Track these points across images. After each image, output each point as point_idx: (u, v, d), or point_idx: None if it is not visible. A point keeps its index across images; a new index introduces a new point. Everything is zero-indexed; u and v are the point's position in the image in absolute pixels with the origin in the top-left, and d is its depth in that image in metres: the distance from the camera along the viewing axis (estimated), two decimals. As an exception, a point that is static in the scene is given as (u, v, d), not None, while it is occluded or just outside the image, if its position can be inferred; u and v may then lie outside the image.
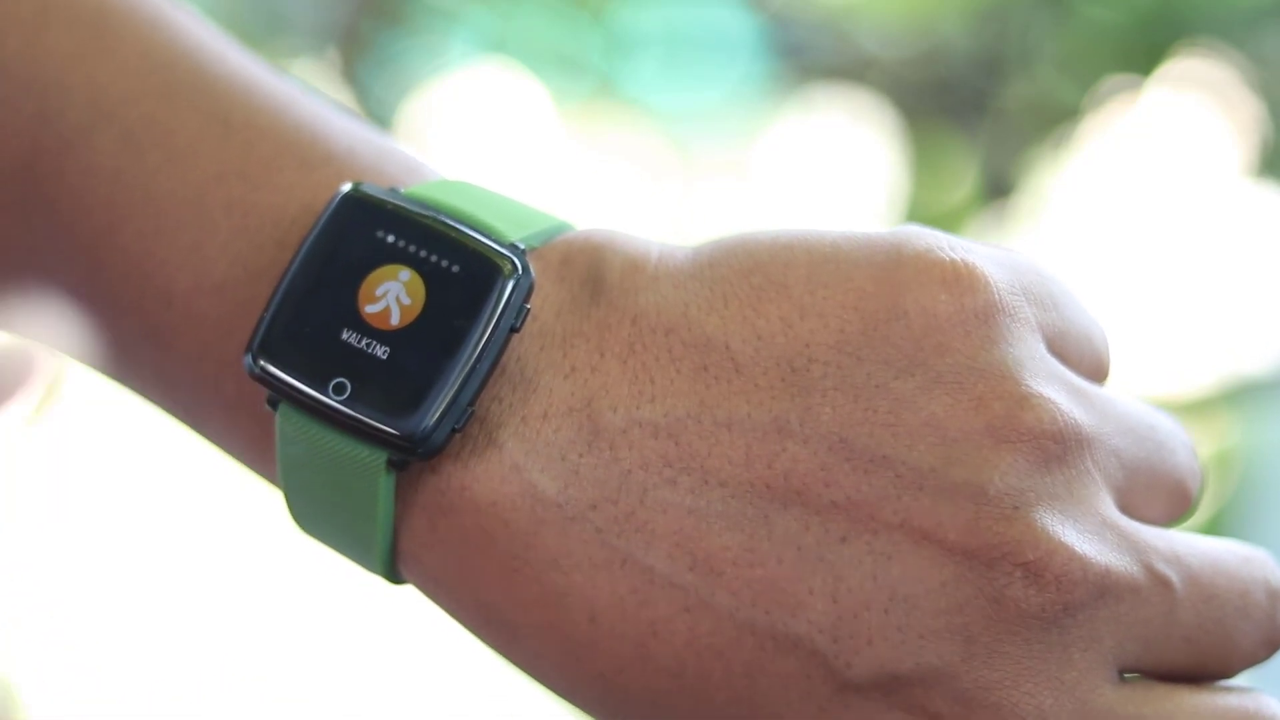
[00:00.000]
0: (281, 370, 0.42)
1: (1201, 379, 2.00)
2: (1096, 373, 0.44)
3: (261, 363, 0.42)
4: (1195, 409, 2.01)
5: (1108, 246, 2.06)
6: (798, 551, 0.40)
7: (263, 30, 2.13)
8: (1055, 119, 2.11)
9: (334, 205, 0.43)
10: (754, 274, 0.42)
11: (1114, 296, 2.03)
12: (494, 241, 0.42)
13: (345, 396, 0.41)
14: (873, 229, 0.43)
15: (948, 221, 2.15)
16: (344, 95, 2.12)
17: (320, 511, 0.43)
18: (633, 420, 0.41)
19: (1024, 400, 0.40)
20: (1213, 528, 1.96)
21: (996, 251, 0.43)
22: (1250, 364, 1.99)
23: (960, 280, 0.41)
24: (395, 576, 0.43)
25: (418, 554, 0.42)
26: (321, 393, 0.41)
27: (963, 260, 0.41)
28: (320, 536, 0.44)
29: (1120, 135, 2.08)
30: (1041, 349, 0.42)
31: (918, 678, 0.39)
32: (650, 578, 0.40)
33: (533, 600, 0.41)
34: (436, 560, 0.42)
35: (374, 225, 0.42)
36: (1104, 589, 0.40)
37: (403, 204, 0.43)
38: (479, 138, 2.08)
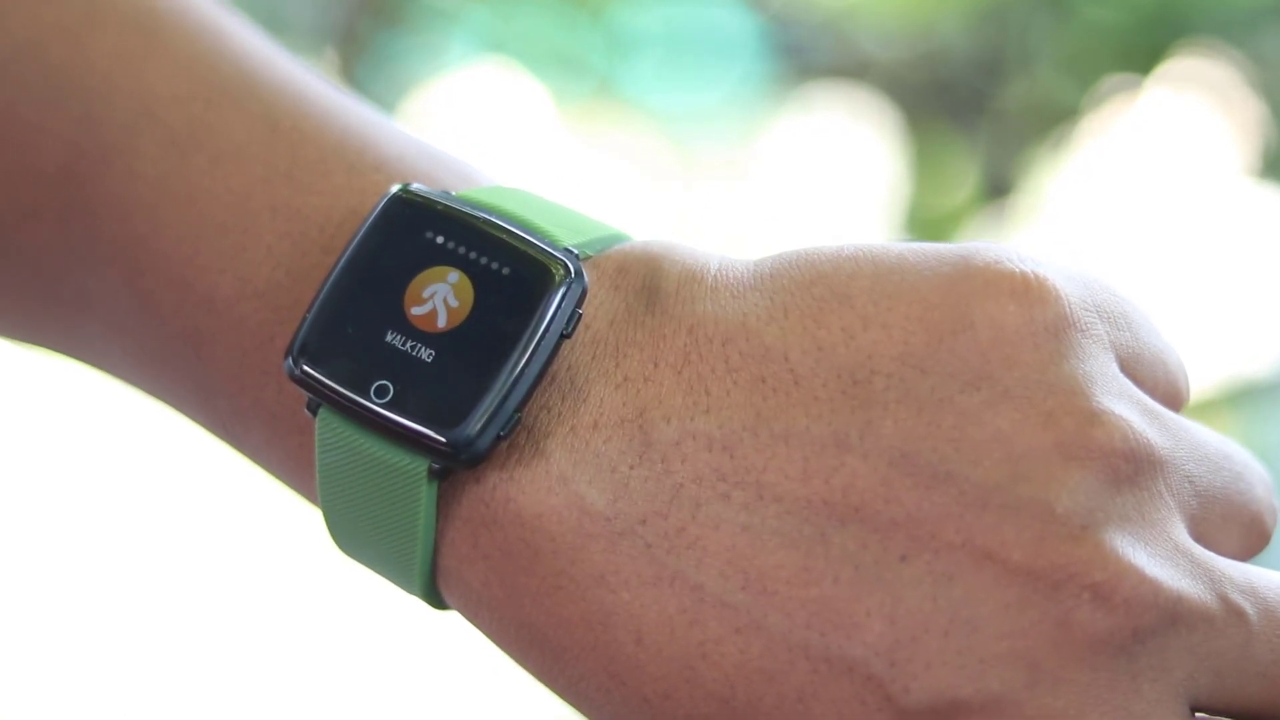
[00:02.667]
0: (322, 373, 0.40)
1: (1203, 381, 2.00)
2: (1171, 398, 0.42)
3: (302, 365, 0.40)
4: (1197, 411, 2.01)
5: (1108, 247, 2.06)
6: (855, 571, 0.38)
7: (261, 30, 2.13)
8: (1055, 119, 2.10)
9: (382, 205, 0.41)
10: (816, 285, 0.41)
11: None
12: (548, 245, 0.41)
13: (387, 400, 0.40)
14: (943, 244, 0.42)
15: (947, 221, 2.14)
16: (342, 95, 2.12)
17: (359, 526, 0.42)
18: (686, 432, 0.39)
19: (1095, 417, 0.39)
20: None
21: (1070, 266, 0.41)
22: (1252, 365, 1.99)
23: (1030, 292, 0.39)
24: (435, 598, 0.42)
25: (459, 570, 0.41)
26: (363, 396, 0.40)
27: (1033, 272, 0.40)
28: (359, 555, 0.43)
29: (1120, 135, 2.08)
30: (1114, 367, 0.40)
31: (978, 705, 0.38)
32: (700, 596, 0.39)
33: (577, 620, 0.39)
34: (478, 577, 0.40)
35: (422, 226, 0.41)
36: (1176, 616, 0.38)
37: (453, 205, 0.41)
38: (478, 138, 2.07)
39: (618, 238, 0.43)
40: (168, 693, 1.66)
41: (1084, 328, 0.40)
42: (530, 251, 0.41)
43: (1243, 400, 2.02)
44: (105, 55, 0.43)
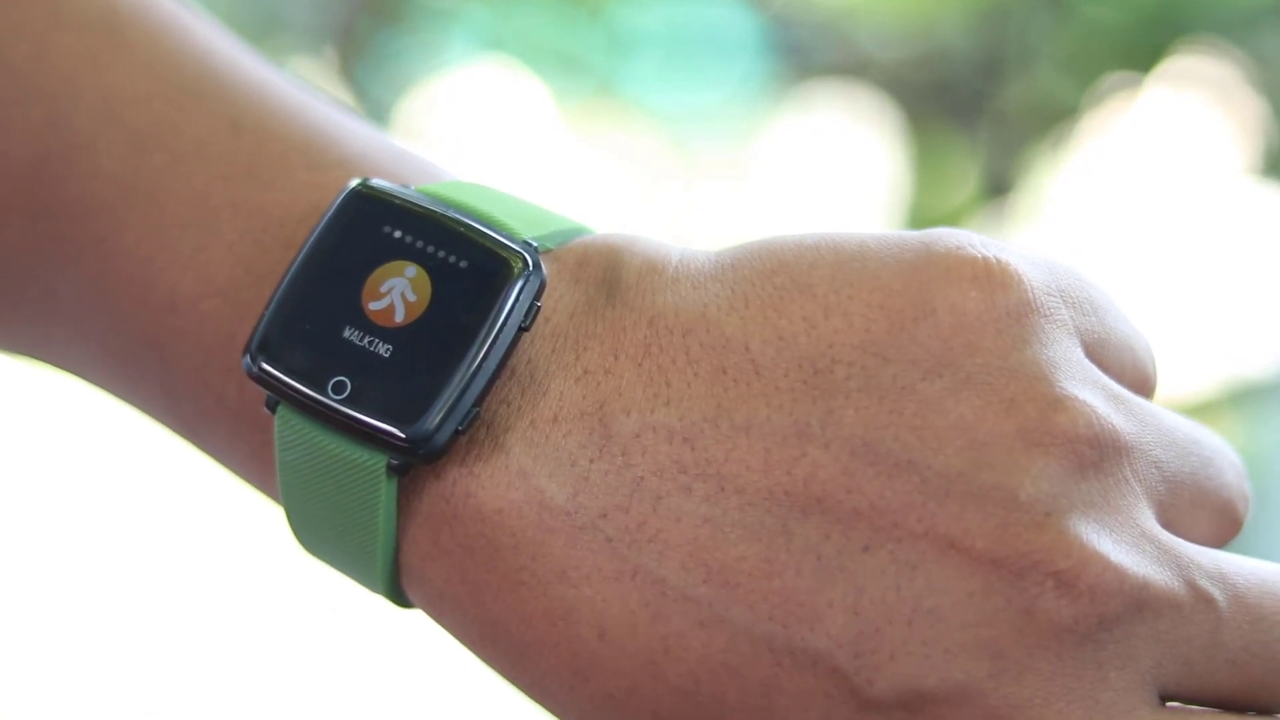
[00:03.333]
0: (279, 370, 0.40)
1: (1203, 381, 2.00)
2: (1139, 384, 0.42)
3: (260, 362, 0.40)
4: (1197, 411, 2.01)
5: (1108, 246, 2.06)
6: (818, 561, 0.38)
7: (260, 29, 2.12)
8: (1055, 118, 2.10)
9: (340, 199, 0.41)
10: (777, 274, 0.40)
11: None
12: (506, 238, 0.41)
13: (345, 396, 0.40)
14: (905, 232, 0.41)
15: (948, 221, 2.14)
16: (342, 94, 2.12)
17: (321, 524, 0.41)
18: (647, 424, 0.39)
19: (1058, 403, 0.38)
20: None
21: (1035, 253, 0.41)
22: (1252, 366, 1.98)
23: (993, 277, 0.39)
24: (399, 595, 0.41)
25: (421, 567, 0.40)
26: (320, 392, 0.40)
27: (995, 257, 0.39)
28: (322, 554, 0.42)
29: (1120, 134, 2.07)
30: (1078, 353, 0.40)
31: (943, 695, 0.37)
32: (663, 590, 0.38)
33: (539, 615, 0.39)
34: (440, 574, 0.40)
35: (381, 220, 0.41)
36: (1142, 603, 0.38)
37: (411, 199, 0.41)
38: (477, 137, 2.07)
39: (579, 231, 0.43)
40: (159, 692, 1.66)
41: (1047, 313, 0.39)
42: (488, 245, 0.41)
43: (1245, 402, 2.02)
44: (69, 56, 0.43)
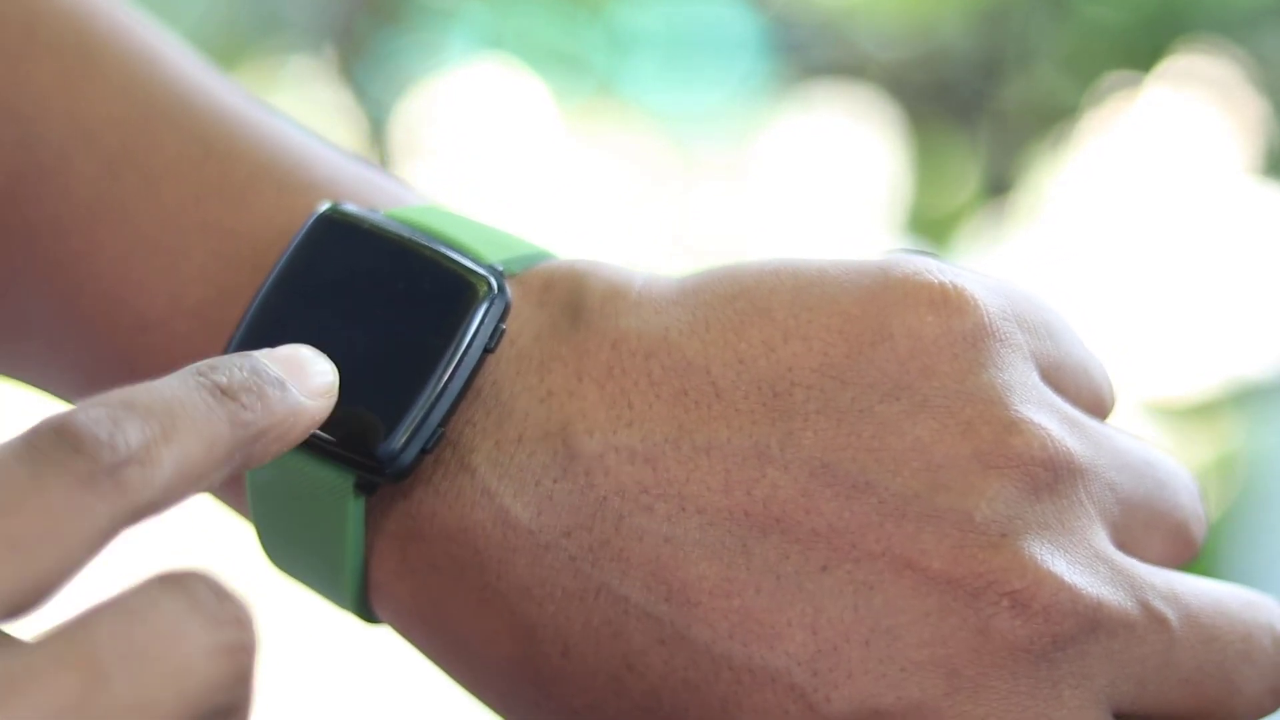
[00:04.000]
0: None
1: (1204, 382, 2.00)
2: (1095, 407, 0.42)
3: None
4: (1198, 412, 2.01)
5: (1108, 246, 2.06)
6: (776, 581, 0.38)
7: (259, 28, 2.13)
8: (1055, 117, 2.11)
9: (310, 223, 0.42)
10: (738, 299, 0.41)
11: (1115, 297, 2.02)
12: (472, 262, 0.41)
13: None
14: (863, 255, 0.42)
15: (948, 220, 2.14)
16: (341, 93, 2.12)
17: (290, 543, 0.42)
18: (609, 445, 0.40)
19: (1013, 425, 0.39)
20: (1216, 532, 1.96)
21: (991, 278, 0.42)
22: (1253, 367, 1.98)
23: (949, 302, 0.40)
24: (367, 612, 0.42)
25: (388, 585, 0.41)
26: None
27: (951, 283, 0.40)
28: (292, 571, 0.43)
29: (1120, 134, 2.07)
30: (1034, 376, 0.40)
31: (900, 712, 0.38)
32: (625, 608, 0.39)
33: (504, 633, 0.40)
34: (407, 591, 0.41)
35: (348, 244, 0.42)
36: (1095, 622, 0.38)
37: (379, 222, 0.42)
38: (477, 136, 2.07)
39: (543, 255, 0.43)
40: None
41: (1003, 337, 0.40)
42: (453, 268, 0.41)
43: (1245, 403, 2.02)
44: (43, 78, 0.44)
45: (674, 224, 2.08)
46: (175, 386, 0.34)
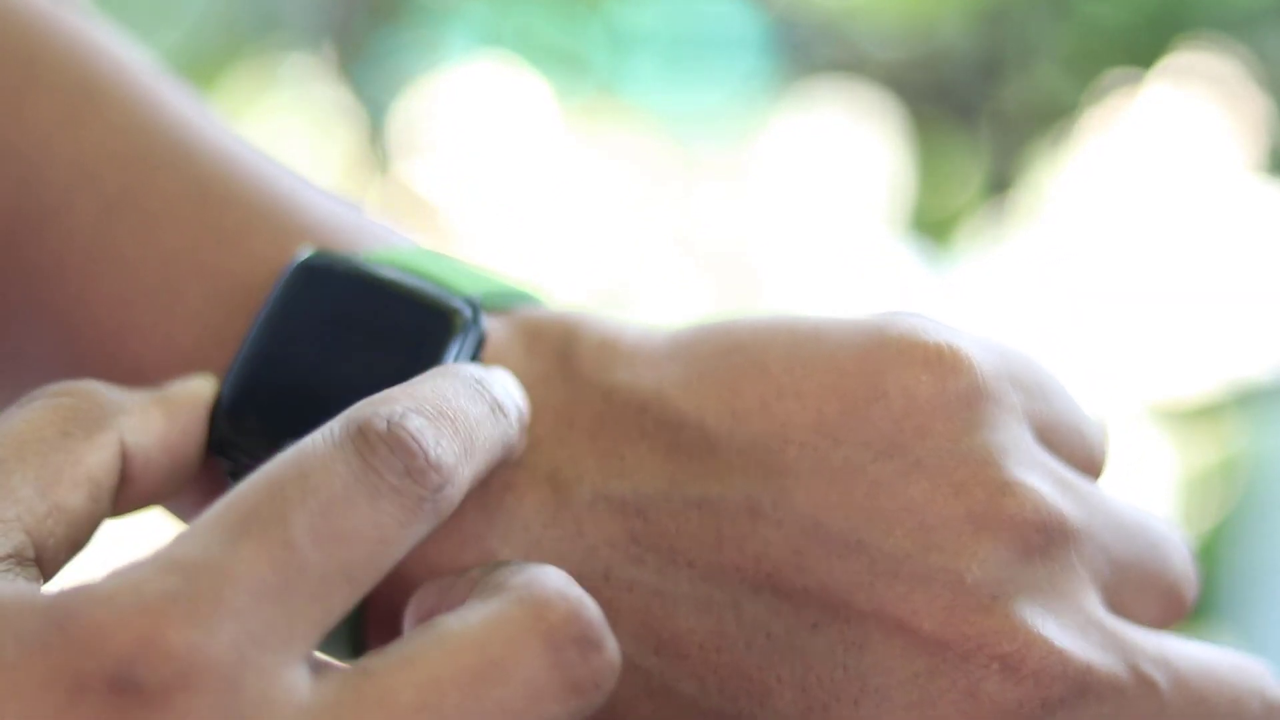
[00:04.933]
0: (239, 440, 0.41)
1: (1206, 383, 2.00)
2: (1088, 468, 0.42)
3: (219, 434, 0.41)
4: (1200, 414, 2.01)
5: (1110, 244, 2.06)
6: (767, 638, 0.39)
7: (258, 26, 2.13)
8: (1056, 116, 2.10)
9: (291, 269, 0.42)
10: (733, 354, 0.41)
11: (1116, 297, 2.02)
12: (445, 295, 0.42)
13: None
14: (859, 314, 0.42)
15: (949, 220, 2.14)
16: (339, 91, 2.12)
17: None
18: (599, 495, 0.40)
19: (1006, 487, 0.39)
20: (1217, 535, 1.96)
21: (986, 338, 0.42)
22: (1256, 368, 1.98)
23: (944, 362, 0.40)
24: (361, 654, 0.42)
25: (380, 627, 0.41)
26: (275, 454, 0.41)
27: (947, 343, 0.40)
28: None
29: (1122, 132, 2.07)
30: (1028, 437, 0.41)
31: None
32: None
33: None
34: (398, 634, 0.40)
35: (329, 287, 0.42)
36: (1085, 686, 0.38)
37: (357, 264, 0.42)
38: (476, 134, 2.07)
39: (523, 294, 0.44)
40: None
41: (997, 398, 0.40)
42: (427, 302, 0.42)
43: (1247, 405, 2.02)
44: (44, 118, 0.44)
45: (674, 224, 2.07)
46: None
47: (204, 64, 2.04)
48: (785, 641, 0.38)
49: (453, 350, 0.41)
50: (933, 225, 2.13)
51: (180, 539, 0.33)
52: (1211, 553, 1.96)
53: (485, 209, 2.05)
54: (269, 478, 0.34)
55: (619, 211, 2.07)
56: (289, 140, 2.03)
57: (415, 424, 0.35)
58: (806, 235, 2.08)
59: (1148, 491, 1.94)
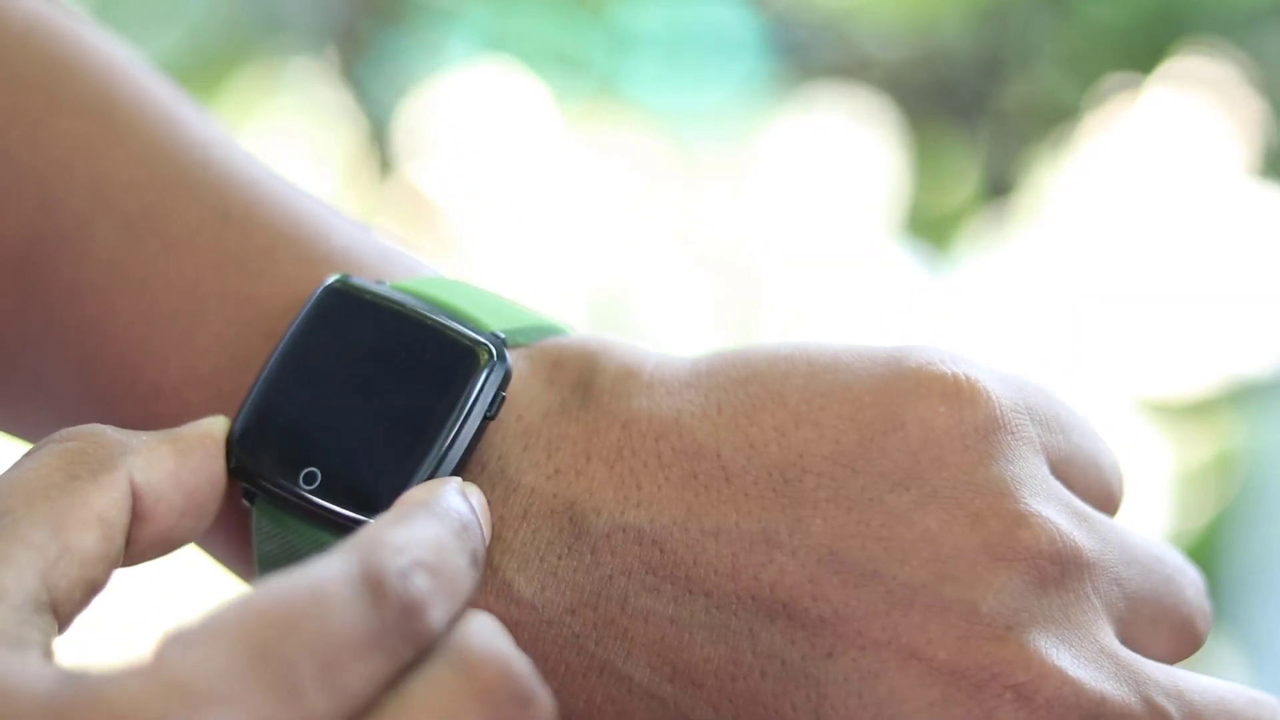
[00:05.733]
0: (255, 463, 0.41)
1: (1203, 380, 2.00)
2: (1105, 501, 0.43)
3: (236, 458, 0.42)
4: (1197, 410, 2.01)
5: (1109, 246, 2.06)
6: (782, 666, 0.39)
7: (260, 29, 2.12)
8: (1056, 118, 2.10)
9: (316, 296, 0.43)
10: (750, 383, 0.41)
11: (1115, 297, 2.02)
12: (472, 330, 0.42)
13: (315, 486, 0.41)
14: (878, 344, 0.42)
15: (949, 220, 2.14)
16: (342, 94, 2.12)
17: None
18: (617, 525, 0.40)
19: (1022, 519, 0.39)
20: (1215, 530, 1.96)
21: (1004, 370, 0.42)
22: (1252, 365, 1.98)
23: (961, 394, 0.40)
24: None
25: None
26: (292, 483, 0.41)
27: (965, 374, 0.41)
28: None
29: (1121, 134, 2.07)
30: (1044, 469, 0.41)
31: None
32: (629, 687, 0.40)
33: None
34: None
35: (353, 315, 0.42)
36: (1097, 717, 0.39)
37: (383, 294, 0.43)
38: (478, 137, 2.07)
39: (552, 328, 0.44)
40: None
41: (1014, 430, 0.41)
42: (453, 337, 0.42)
43: (1245, 401, 2.02)
44: (64, 142, 0.44)
45: (674, 224, 2.07)
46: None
47: (207, 67, 2.04)
48: (800, 670, 0.39)
49: (476, 386, 0.41)
50: (931, 226, 2.13)
51: (190, 650, 0.33)
52: (1207, 549, 1.96)
53: (488, 211, 2.05)
54: (286, 604, 0.33)
55: (619, 211, 2.07)
56: (292, 143, 2.03)
57: (420, 583, 0.35)
58: (806, 236, 2.08)
59: (1143, 487, 1.95)
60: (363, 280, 0.43)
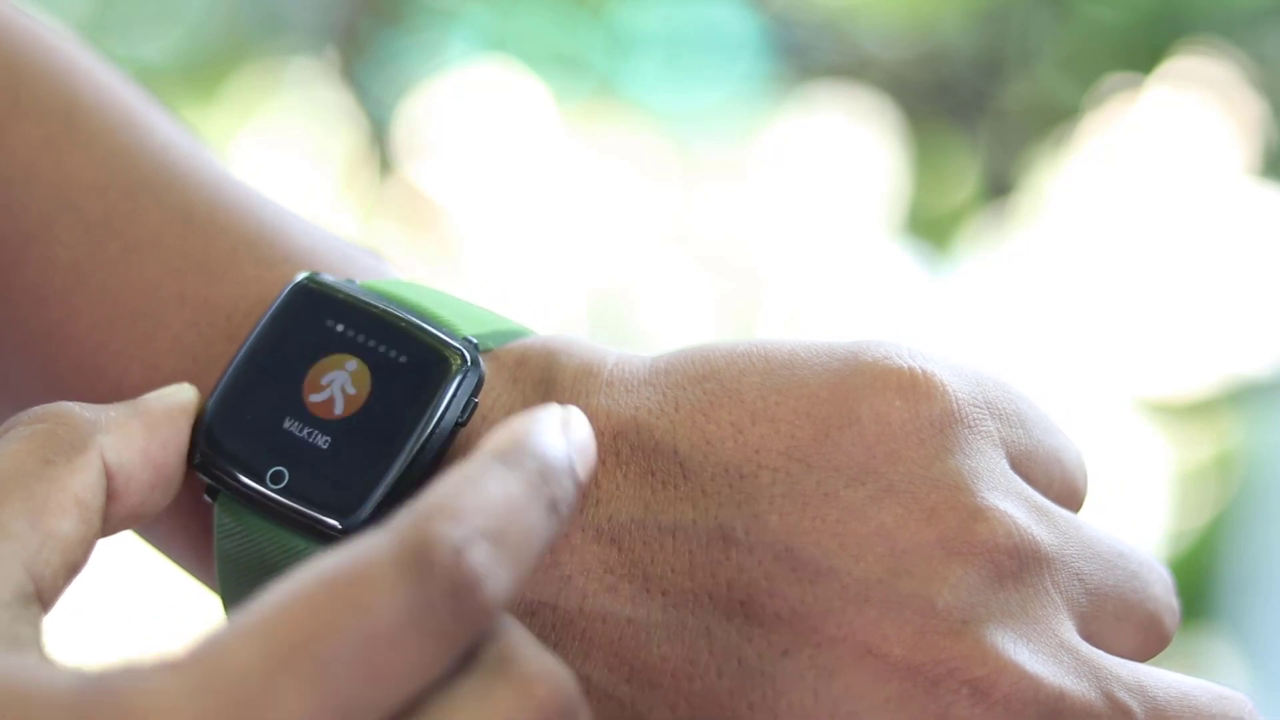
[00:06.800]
0: (220, 459, 0.41)
1: (1203, 380, 2.00)
2: (1068, 497, 0.42)
3: (201, 452, 0.41)
4: (1196, 410, 2.01)
5: (1108, 246, 2.05)
6: (739, 665, 0.39)
7: (261, 29, 2.12)
8: (1056, 118, 2.10)
9: (286, 292, 0.42)
10: (708, 380, 0.41)
11: (1114, 297, 2.02)
12: (446, 335, 0.42)
13: (282, 486, 0.41)
14: (835, 339, 0.42)
15: (948, 220, 2.14)
16: (342, 94, 2.12)
17: None
18: (576, 524, 0.40)
19: (978, 513, 0.39)
20: (1214, 530, 1.96)
21: (964, 364, 0.42)
22: (1251, 365, 1.98)
23: (917, 388, 0.40)
24: None
25: None
26: (258, 482, 0.41)
27: (921, 368, 0.40)
28: None
29: (1121, 134, 2.07)
30: (1003, 464, 0.41)
31: None
32: (586, 688, 0.39)
33: None
34: None
35: (324, 314, 0.42)
36: (1057, 712, 0.38)
37: (355, 294, 0.42)
38: (478, 137, 2.07)
39: (519, 332, 0.44)
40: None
41: (971, 424, 0.40)
42: (428, 340, 0.42)
43: (1244, 401, 2.02)
44: (27, 144, 0.44)
45: (674, 224, 2.07)
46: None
47: (208, 68, 2.04)
48: (757, 668, 0.38)
49: (449, 392, 0.41)
50: (931, 225, 2.13)
51: (221, 647, 0.31)
52: (1206, 548, 1.96)
53: (488, 210, 2.05)
54: (322, 594, 0.32)
55: (619, 211, 2.07)
56: (292, 143, 2.03)
57: (479, 557, 0.33)
58: (806, 236, 2.08)
59: (1143, 487, 1.95)
60: (333, 278, 0.43)
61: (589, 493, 0.40)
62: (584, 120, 2.09)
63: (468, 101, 2.07)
